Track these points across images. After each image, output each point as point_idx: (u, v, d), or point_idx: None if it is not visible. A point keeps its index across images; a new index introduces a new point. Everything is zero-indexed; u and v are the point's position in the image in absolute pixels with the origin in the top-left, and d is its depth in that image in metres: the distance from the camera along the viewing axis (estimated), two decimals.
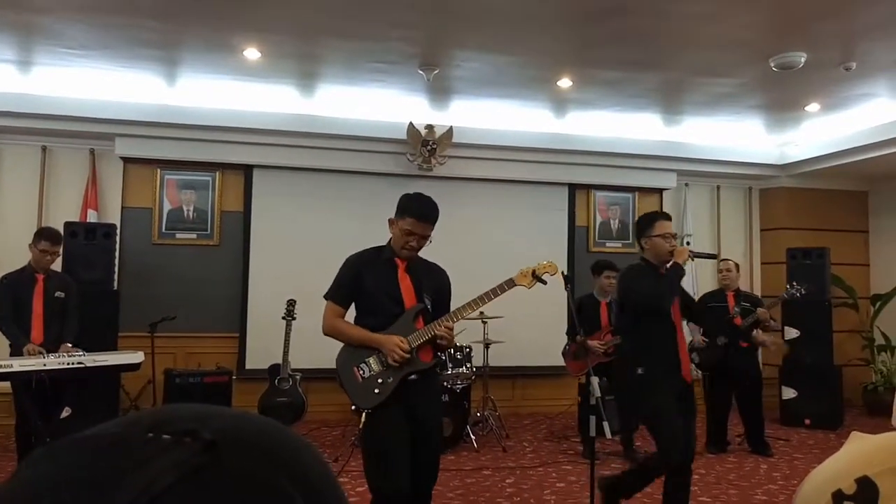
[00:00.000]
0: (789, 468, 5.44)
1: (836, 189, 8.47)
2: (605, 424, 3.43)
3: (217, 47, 5.31)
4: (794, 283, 6.05)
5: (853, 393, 7.76)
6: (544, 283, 3.21)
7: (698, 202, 8.50)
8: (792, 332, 7.18)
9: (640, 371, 3.65)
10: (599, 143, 7.54)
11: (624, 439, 5.69)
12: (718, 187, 8.57)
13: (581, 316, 5.75)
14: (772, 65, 5.31)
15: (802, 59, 5.20)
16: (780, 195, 8.51)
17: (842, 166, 7.71)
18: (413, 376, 2.95)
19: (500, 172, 7.53)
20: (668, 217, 3.90)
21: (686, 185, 8.32)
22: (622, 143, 7.61)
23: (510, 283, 3.14)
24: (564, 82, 5.99)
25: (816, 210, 8.45)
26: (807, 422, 6.88)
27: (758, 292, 8.14)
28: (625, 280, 3.86)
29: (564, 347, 4.30)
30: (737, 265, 6.30)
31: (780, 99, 6.42)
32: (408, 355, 2.91)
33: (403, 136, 6.97)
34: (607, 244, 8.05)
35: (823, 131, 7.46)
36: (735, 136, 7.72)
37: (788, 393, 7.11)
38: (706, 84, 6.01)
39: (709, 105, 6.64)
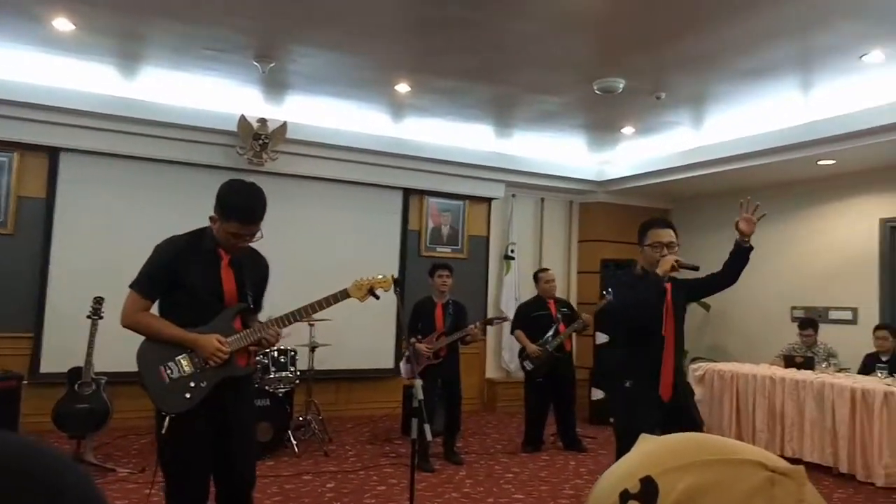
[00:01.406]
0: (594, 464, 5.85)
1: (644, 206, 9.27)
2: (427, 427, 3.46)
3: (20, 13, 4.75)
4: (609, 290, 6.51)
5: None
6: (377, 297, 3.12)
7: (524, 213, 8.93)
8: (602, 337, 7.75)
9: (627, 384, 3.51)
10: (434, 149, 7.68)
11: (446, 441, 5.81)
12: (543, 199, 9.07)
13: (420, 318, 5.77)
14: (595, 88, 5.70)
15: (621, 86, 5.63)
16: (597, 209, 9.17)
17: (649, 186, 8.48)
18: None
19: (335, 172, 7.43)
20: (662, 224, 3.74)
21: (513, 195, 8.71)
22: (455, 152, 7.82)
23: (344, 294, 2.97)
24: (402, 87, 6.03)
25: (628, 224, 9.12)
26: (612, 420, 7.43)
27: (573, 299, 8.70)
28: (612, 286, 3.75)
29: (403, 353, 4.27)
30: None
31: (601, 120, 6.91)
32: (227, 357, 2.72)
33: (234, 128, 6.66)
34: (438, 249, 8.21)
35: (636, 153, 8.14)
36: (560, 152, 8.21)
37: (597, 394, 7.67)
38: (535, 101, 6.32)
39: (537, 121, 7.00)
